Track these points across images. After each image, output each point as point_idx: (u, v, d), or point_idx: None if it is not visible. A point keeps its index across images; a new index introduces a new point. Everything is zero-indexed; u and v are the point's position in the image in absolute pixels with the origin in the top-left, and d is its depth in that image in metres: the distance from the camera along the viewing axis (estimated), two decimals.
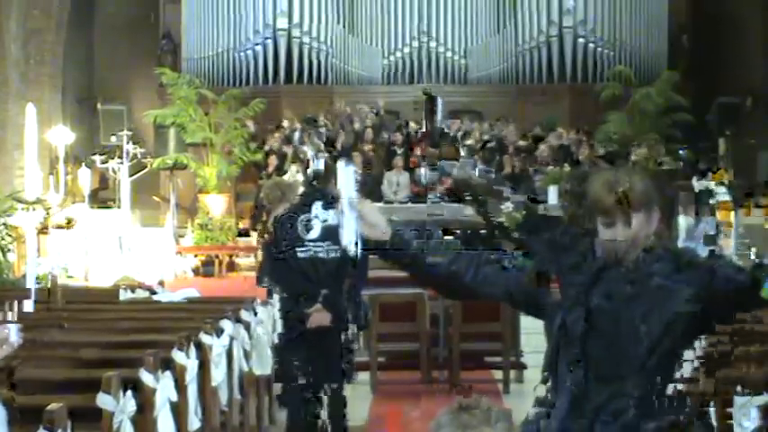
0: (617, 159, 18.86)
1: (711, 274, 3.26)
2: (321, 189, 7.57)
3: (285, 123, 20.89)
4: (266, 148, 20.14)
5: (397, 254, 3.45)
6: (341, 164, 3.34)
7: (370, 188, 18.53)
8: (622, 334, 3.27)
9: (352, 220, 3.31)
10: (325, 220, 7.23)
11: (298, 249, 7.22)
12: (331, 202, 7.28)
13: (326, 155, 19.03)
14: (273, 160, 19.80)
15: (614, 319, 3.29)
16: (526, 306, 3.57)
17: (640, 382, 3.26)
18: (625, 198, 3.28)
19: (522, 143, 20.19)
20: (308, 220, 7.24)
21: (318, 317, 7.08)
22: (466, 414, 2.28)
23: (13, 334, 2.86)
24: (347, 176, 3.33)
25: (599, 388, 3.30)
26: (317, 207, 7.31)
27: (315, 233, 7.22)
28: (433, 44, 23.32)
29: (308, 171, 18.27)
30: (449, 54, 23.35)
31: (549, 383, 3.43)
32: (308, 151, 19.66)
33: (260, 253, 15.91)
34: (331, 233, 7.07)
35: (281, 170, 19.49)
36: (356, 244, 3.33)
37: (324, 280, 7.18)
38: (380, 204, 18.16)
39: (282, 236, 7.31)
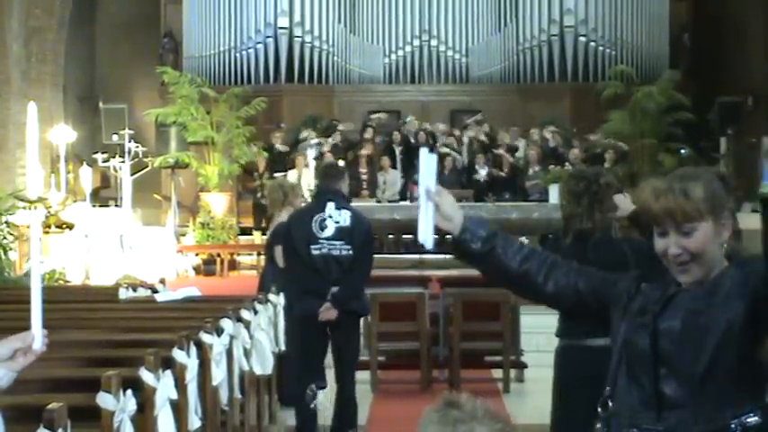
0: (597, 161, 18.90)
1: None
2: (333, 189, 7.80)
3: (303, 134, 20.91)
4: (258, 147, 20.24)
5: (469, 248, 3.24)
6: (423, 152, 3.18)
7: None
8: (685, 357, 2.95)
9: (429, 210, 3.15)
10: (337, 222, 7.59)
11: (312, 246, 7.56)
12: (342, 202, 7.75)
13: (327, 155, 19.12)
14: (264, 159, 19.86)
15: (679, 343, 2.97)
16: (596, 303, 3.25)
17: (700, 412, 2.93)
18: (676, 205, 2.95)
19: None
20: (323, 220, 7.58)
21: (327, 313, 7.51)
22: (455, 410, 2.26)
23: (38, 342, 2.82)
24: (429, 165, 3.15)
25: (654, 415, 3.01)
26: (330, 207, 7.63)
27: (329, 232, 7.56)
28: (434, 43, 23.33)
29: (316, 170, 18.33)
30: (450, 53, 23.37)
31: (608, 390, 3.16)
32: (310, 152, 19.70)
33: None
34: (344, 233, 7.55)
35: (273, 171, 19.53)
36: (432, 235, 3.15)
37: (335, 277, 7.54)
38: (373, 203, 18.22)
39: (297, 234, 7.67)
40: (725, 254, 3.01)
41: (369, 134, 20.57)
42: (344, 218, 7.61)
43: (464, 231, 3.22)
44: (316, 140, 20.42)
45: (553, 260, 3.32)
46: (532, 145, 20.12)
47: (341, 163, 17.06)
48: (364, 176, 19.47)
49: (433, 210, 3.15)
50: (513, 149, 20.34)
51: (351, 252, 7.58)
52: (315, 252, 7.56)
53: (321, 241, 7.55)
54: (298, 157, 19.46)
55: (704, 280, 2.99)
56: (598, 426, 3.18)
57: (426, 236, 3.16)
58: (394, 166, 19.91)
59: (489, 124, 21.38)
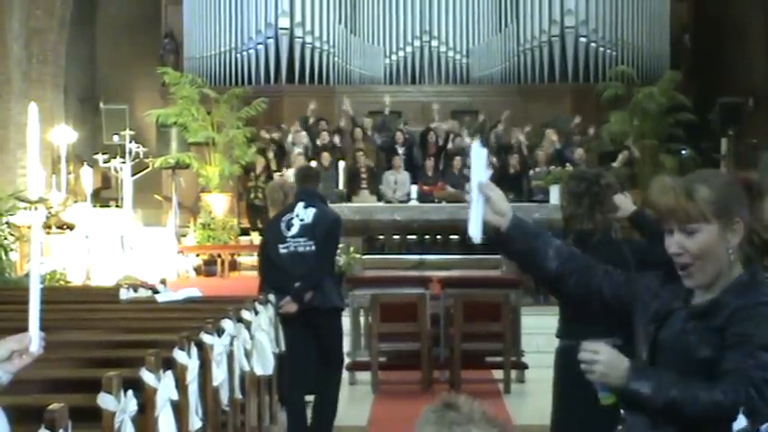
0: (606, 160, 18.91)
1: None
2: (306, 189, 8.07)
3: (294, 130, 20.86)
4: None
5: (513, 245, 3.20)
6: (475, 145, 3.15)
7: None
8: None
9: (480, 204, 3.10)
10: (302, 219, 7.86)
11: (280, 246, 7.86)
12: (312, 201, 7.97)
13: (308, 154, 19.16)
14: (262, 160, 19.87)
15: (669, 358, 2.99)
16: (619, 307, 3.22)
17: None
18: (677, 204, 2.94)
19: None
20: (290, 219, 7.88)
21: (287, 307, 7.82)
22: (452, 411, 2.26)
23: (35, 344, 2.83)
24: (479, 160, 3.12)
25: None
26: (299, 207, 7.93)
27: (294, 230, 7.85)
28: (435, 43, 23.32)
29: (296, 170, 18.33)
30: (450, 53, 23.36)
31: None
32: (297, 150, 19.69)
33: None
34: (307, 230, 7.82)
35: (270, 170, 19.53)
36: (481, 230, 3.10)
37: (300, 274, 7.76)
38: (381, 203, 18.23)
39: (269, 235, 8.06)
40: (742, 259, 2.97)
41: (358, 135, 20.48)
42: (309, 215, 7.87)
43: (513, 227, 3.18)
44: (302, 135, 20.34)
45: (587, 264, 3.29)
46: (544, 145, 20.08)
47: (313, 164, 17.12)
48: (363, 175, 19.44)
49: (483, 204, 3.11)
50: (531, 148, 20.26)
51: (314, 248, 7.82)
52: (282, 251, 7.86)
53: (288, 240, 7.84)
54: (297, 157, 19.46)
55: (712, 284, 2.97)
56: (619, 428, 3.17)
57: (476, 231, 3.12)
58: (406, 167, 19.84)
59: (504, 124, 21.27)
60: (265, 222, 12.01)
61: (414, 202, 18.67)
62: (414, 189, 19.25)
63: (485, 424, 2.23)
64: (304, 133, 20.34)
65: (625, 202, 5.49)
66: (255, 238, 18.86)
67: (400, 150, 20.23)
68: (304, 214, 7.88)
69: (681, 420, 2.90)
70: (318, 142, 20.20)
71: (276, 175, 18.48)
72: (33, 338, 2.85)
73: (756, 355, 2.83)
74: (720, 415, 2.80)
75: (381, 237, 17.98)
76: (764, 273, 2.98)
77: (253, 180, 19.69)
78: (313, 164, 16.98)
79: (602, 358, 2.95)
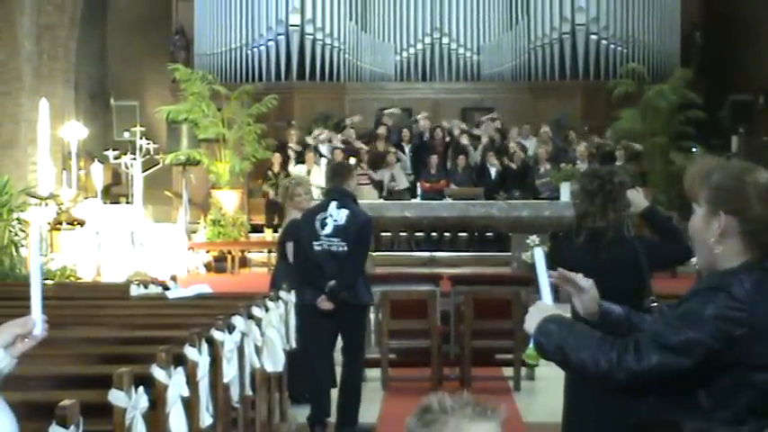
0: (608, 159, 18.86)
1: None
2: (338, 188, 8.36)
3: (315, 132, 20.83)
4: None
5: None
6: (537, 251, 3.28)
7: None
8: None
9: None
10: (336, 220, 8.19)
11: (314, 243, 8.18)
12: (345, 201, 8.29)
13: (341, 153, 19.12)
14: (278, 158, 19.87)
15: None
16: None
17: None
18: (687, 180, 3.01)
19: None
20: (324, 218, 8.19)
21: (324, 304, 8.13)
22: (427, 413, 2.37)
23: (39, 327, 2.85)
24: (541, 264, 3.23)
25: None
26: (332, 207, 8.24)
27: (328, 230, 8.17)
28: (445, 40, 23.31)
29: (326, 168, 18.38)
30: (461, 50, 23.35)
31: None
32: (323, 149, 19.73)
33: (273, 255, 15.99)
34: (340, 231, 8.17)
35: (287, 167, 19.55)
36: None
37: (332, 271, 8.13)
38: (383, 201, 18.10)
39: (303, 232, 8.30)
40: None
41: (382, 130, 20.50)
42: (342, 216, 8.19)
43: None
44: (325, 136, 20.37)
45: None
46: (541, 143, 20.08)
47: (351, 161, 17.10)
48: (365, 173, 19.37)
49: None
50: (524, 148, 20.28)
51: (346, 248, 8.17)
52: (317, 248, 8.18)
53: (321, 238, 8.18)
54: (308, 154, 19.47)
55: (709, 269, 2.99)
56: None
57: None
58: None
59: (501, 121, 21.34)
60: (281, 219, 12.21)
61: (417, 200, 18.58)
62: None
63: (458, 409, 2.34)
64: (339, 136, 20.42)
65: (638, 198, 5.48)
66: (269, 234, 18.87)
67: (407, 148, 20.26)
68: (337, 215, 8.19)
69: (568, 369, 3.06)
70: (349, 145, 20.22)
71: (292, 172, 18.48)
72: (36, 322, 2.86)
73: (664, 319, 2.93)
74: (587, 375, 2.93)
75: (390, 234, 17.97)
76: (755, 270, 2.93)
77: (272, 178, 19.65)
78: (352, 161, 17.08)
79: (533, 308, 3.12)
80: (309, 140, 20.35)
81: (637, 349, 2.85)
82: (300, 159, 19.89)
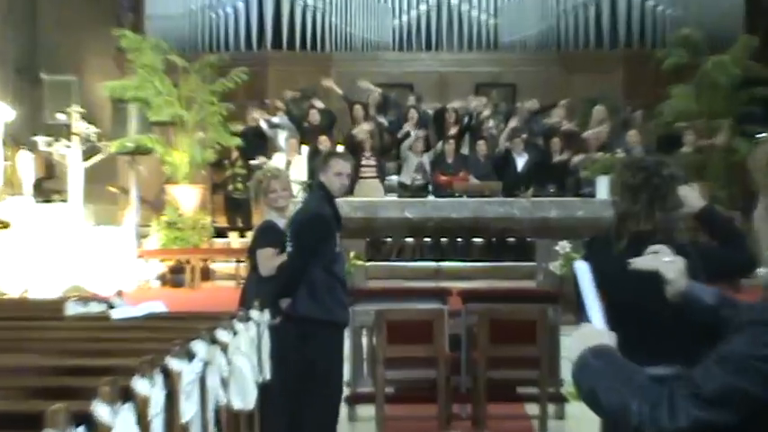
0: (666, 145, 18.88)
1: None
2: (316, 180, 8.59)
3: (278, 103, 20.86)
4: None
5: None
6: (579, 264, 3.34)
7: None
8: None
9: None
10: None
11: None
12: (309, 196, 8.59)
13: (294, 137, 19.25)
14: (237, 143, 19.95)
15: None
16: None
17: None
18: (750, 166, 3.00)
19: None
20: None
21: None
22: None
23: None
24: (585, 279, 3.29)
25: None
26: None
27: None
28: (454, 1, 23.33)
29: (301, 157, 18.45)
30: (475, 13, 23.37)
31: None
32: (281, 134, 19.73)
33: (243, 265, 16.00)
34: (288, 228, 8.40)
35: (248, 157, 19.55)
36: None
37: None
38: (381, 198, 18.08)
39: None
40: None
41: (358, 110, 20.34)
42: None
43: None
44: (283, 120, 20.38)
45: None
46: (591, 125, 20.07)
47: (340, 148, 17.11)
48: (369, 162, 19.33)
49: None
50: (572, 132, 20.24)
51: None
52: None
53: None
54: (291, 141, 19.43)
55: None
56: None
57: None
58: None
59: (538, 100, 21.18)
60: (247, 221, 12.23)
61: (429, 196, 18.47)
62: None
63: None
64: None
65: (692, 196, 5.48)
66: (235, 240, 18.90)
67: (413, 133, 20.01)
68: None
69: (599, 414, 3.10)
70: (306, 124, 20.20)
71: (256, 162, 18.50)
72: None
73: (705, 367, 2.88)
74: (615, 418, 2.96)
75: (389, 239, 17.99)
76: None
77: (228, 168, 19.70)
78: (340, 148, 17.15)
79: (577, 333, 3.14)
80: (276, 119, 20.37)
81: (671, 404, 2.84)
82: (260, 144, 19.90)
